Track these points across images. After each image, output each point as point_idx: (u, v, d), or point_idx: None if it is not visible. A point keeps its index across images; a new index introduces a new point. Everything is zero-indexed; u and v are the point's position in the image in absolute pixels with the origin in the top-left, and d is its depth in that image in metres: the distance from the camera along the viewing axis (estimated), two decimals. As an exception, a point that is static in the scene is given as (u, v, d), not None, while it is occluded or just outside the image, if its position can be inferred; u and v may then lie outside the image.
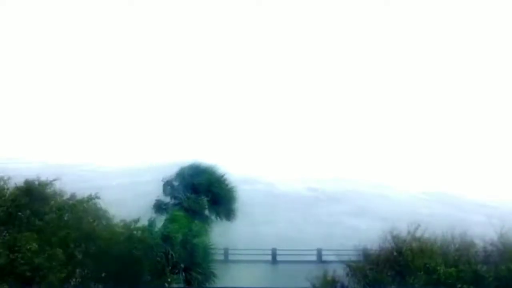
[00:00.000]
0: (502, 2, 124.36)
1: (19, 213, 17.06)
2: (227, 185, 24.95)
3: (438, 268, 17.43)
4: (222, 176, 25.12)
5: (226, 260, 31.71)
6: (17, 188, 17.88)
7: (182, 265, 19.41)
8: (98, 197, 18.95)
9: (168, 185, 24.80)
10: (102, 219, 18.67)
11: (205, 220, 23.60)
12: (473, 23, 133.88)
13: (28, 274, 15.40)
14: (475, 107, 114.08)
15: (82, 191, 19.68)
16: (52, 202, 18.07)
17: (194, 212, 22.86)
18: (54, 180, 18.72)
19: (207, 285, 20.11)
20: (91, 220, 18.18)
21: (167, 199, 23.88)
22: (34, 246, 15.66)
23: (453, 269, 17.52)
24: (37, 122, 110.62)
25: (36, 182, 18.23)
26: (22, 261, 15.34)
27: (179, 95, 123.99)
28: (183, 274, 19.51)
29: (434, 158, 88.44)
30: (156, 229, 19.46)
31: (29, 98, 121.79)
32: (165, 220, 19.97)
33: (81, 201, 18.75)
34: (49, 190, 18.43)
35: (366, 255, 20.39)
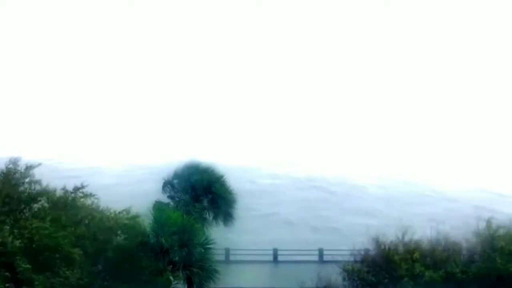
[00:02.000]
0: (502, 2, 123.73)
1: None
2: (226, 186, 24.73)
3: (426, 272, 17.42)
4: (222, 176, 24.91)
5: (227, 261, 31.76)
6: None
7: (182, 263, 19.36)
8: (84, 186, 19.01)
9: (167, 184, 24.67)
10: (97, 217, 18.75)
11: (204, 219, 23.47)
12: (473, 23, 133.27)
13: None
14: (474, 105, 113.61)
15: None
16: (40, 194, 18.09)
17: (193, 212, 22.76)
18: (32, 166, 18.56)
19: (210, 282, 20.05)
20: (89, 218, 18.33)
21: (167, 199, 23.78)
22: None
23: (441, 271, 17.55)
24: (33, 120, 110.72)
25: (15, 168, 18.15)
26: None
27: (179, 94, 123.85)
28: (183, 271, 19.47)
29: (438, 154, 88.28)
30: (155, 228, 19.45)
31: (27, 97, 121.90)
32: (164, 219, 19.91)
33: (68, 191, 18.79)
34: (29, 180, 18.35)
35: (365, 255, 20.35)
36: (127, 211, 19.45)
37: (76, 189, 18.95)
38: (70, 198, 18.49)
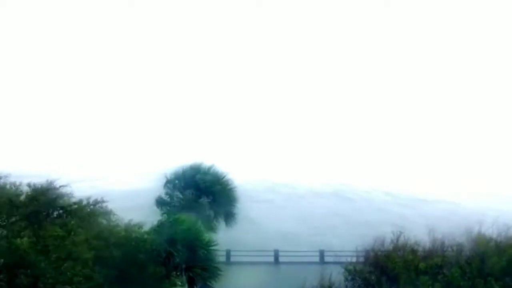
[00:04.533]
0: (502, 2, 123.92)
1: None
2: (228, 186, 24.82)
3: (426, 281, 17.41)
4: (224, 176, 25.01)
5: (228, 262, 31.82)
6: (31, 192, 18.02)
7: (184, 265, 19.43)
8: (105, 201, 19.03)
9: (169, 183, 24.73)
10: (108, 222, 18.84)
11: (206, 219, 23.53)
12: (473, 23, 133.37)
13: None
14: (462, 108, 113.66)
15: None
16: (61, 205, 18.21)
17: (195, 212, 22.86)
18: (63, 186, 18.82)
19: (213, 281, 20.15)
20: (99, 222, 18.38)
21: (168, 197, 23.86)
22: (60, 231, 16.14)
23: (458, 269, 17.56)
24: (34, 128, 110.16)
25: (46, 186, 18.35)
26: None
27: (181, 98, 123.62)
28: (185, 273, 19.55)
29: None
30: (158, 231, 19.51)
31: (27, 102, 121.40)
32: (167, 221, 19.99)
33: (88, 205, 18.87)
34: (58, 193, 18.48)
35: (367, 257, 20.36)
36: (140, 225, 19.39)
37: (96, 202, 18.85)
38: (88, 211, 18.54)
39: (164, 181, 24.64)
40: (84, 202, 18.84)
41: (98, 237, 17.59)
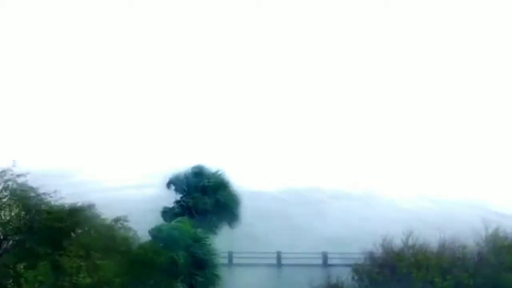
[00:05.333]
0: (502, 2, 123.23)
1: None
2: (232, 190, 24.86)
3: (436, 279, 17.33)
4: (228, 180, 25.06)
5: (230, 264, 31.62)
6: (65, 209, 17.85)
7: (185, 269, 19.42)
8: (127, 220, 18.92)
9: (171, 183, 24.70)
10: (126, 238, 18.77)
11: (209, 223, 23.52)
12: (473, 23, 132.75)
13: None
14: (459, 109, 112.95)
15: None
16: (91, 224, 18.15)
17: (198, 214, 22.89)
18: (93, 204, 18.77)
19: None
20: (118, 240, 18.28)
21: (173, 203, 23.85)
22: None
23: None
24: (37, 128, 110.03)
25: (79, 205, 18.31)
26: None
27: (182, 100, 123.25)
28: (188, 279, 19.56)
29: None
30: (162, 236, 19.50)
31: (29, 103, 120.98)
32: (171, 226, 20.06)
33: (109, 223, 18.76)
34: (88, 212, 18.47)
35: (371, 258, 20.26)
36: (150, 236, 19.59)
37: (117, 220, 18.78)
38: (107, 229, 18.44)
39: (168, 184, 24.62)
40: (107, 222, 18.54)
41: (117, 256, 17.53)
